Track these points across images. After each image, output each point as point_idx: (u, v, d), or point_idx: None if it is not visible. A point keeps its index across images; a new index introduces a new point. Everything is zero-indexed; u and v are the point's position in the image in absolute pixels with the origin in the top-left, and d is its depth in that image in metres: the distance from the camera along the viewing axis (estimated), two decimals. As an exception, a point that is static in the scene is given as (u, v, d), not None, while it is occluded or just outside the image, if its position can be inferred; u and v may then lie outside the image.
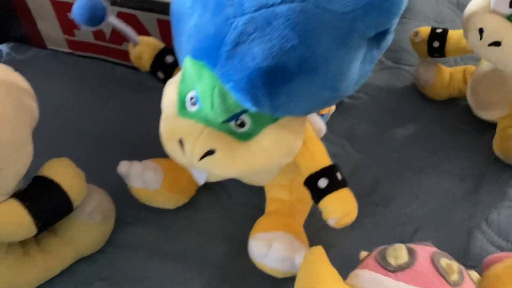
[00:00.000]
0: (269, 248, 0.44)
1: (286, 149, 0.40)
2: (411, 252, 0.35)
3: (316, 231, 0.51)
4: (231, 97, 0.37)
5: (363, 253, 0.39)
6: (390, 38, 0.38)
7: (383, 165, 0.56)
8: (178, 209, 0.52)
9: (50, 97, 0.62)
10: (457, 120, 0.60)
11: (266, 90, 0.35)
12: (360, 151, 0.57)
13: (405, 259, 0.35)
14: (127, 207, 0.52)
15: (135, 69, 0.66)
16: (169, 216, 0.52)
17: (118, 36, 0.62)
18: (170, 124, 0.40)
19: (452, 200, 0.53)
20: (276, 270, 0.45)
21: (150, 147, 0.57)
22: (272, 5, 0.33)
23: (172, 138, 0.40)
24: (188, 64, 0.39)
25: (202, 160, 0.39)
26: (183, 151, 0.39)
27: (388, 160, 0.56)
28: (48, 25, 0.64)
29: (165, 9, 0.57)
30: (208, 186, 0.54)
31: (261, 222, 0.48)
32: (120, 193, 0.51)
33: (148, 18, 0.58)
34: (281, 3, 0.33)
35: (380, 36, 0.36)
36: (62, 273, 0.47)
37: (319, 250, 0.39)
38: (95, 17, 0.42)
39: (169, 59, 0.48)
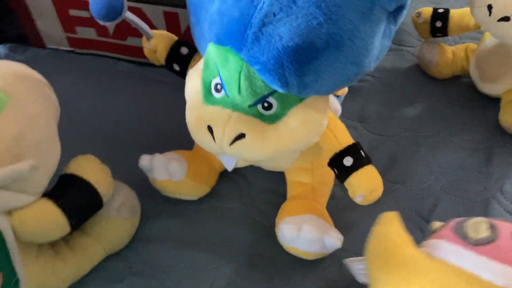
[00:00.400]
0: (299, 231, 0.45)
1: (314, 128, 0.40)
2: (492, 227, 0.34)
3: (337, 212, 0.52)
4: (258, 79, 0.37)
5: (436, 224, 0.38)
6: (405, 13, 0.39)
7: (397, 144, 0.57)
8: (200, 199, 0.52)
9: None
10: (462, 96, 0.62)
11: (294, 69, 0.35)
12: (373, 131, 0.58)
13: (486, 233, 0.33)
14: (150, 201, 0.52)
15: (139, 63, 0.67)
16: (192, 207, 0.52)
17: (121, 31, 0.62)
18: (197, 112, 0.40)
19: (466, 173, 0.55)
20: (307, 252, 0.46)
21: (165, 140, 0.58)
22: None
23: (200, 125, 0.40)
24: (211, 51, 0.39)
25: (233, 144, 0.39)
26: (213, 137, 0.39)
27: (401, 138, 0.57)
28: (48, 24, 0.63)
29: (171, 0, 0.57)
30: (227, 176, 0.54)
31: (287, 206, 0.48)
32: (141, 187, 0.51)
33: (154, 11, 0.57)
34: None
35: (397, 10, 0.38)
36: (92, 271, 0.47)
37: (393, 215, 0.39)
38: (113, 11, 0.42)
39: (184, 50, 0.48)
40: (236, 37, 0.36)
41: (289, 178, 0.51)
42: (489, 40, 0.56)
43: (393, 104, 0.61)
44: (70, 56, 0.67)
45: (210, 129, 0.39)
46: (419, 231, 0.50)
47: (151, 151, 0.51)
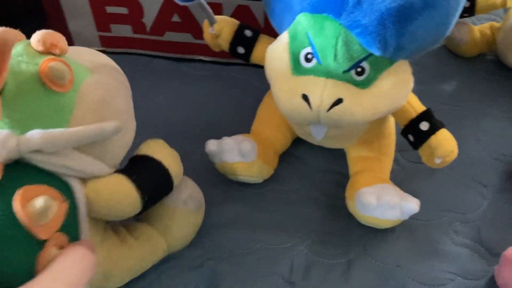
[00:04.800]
0: (378, 199, 0.45)
1: (404, 90, 0.42)
2: None
3: (398, 184, 0.53)
4: (355, 44, 0.39)
5: None
6: None
7: (441, 117, 0.59)
8: (261, 184, 0.53)
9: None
10: (489, 72, 0.65)
11: (396, 30, 0.37)
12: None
13: None
14: (210, 189, 0.52)
15: (173, 59, 0.66)
16: (255, 191, 0.52)
17: (159, 27, 0.62)
18: (288, 83, 0.41)
19: (509, 140, 0.58)
20: (386, 220, 0.46)
21: (216, 130, 0.58)
22: None
23: (294, 95, 0.40)
24: (302, 21, 0.40)
25: (331, 110, 0.40)
26: (309, 105, 0.40)
27: (443, 112, 0.59)
28: (80, 24, 0.62)
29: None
30: (283, 159, 0.55)
31: (358, 179, 0.49)
32: (199, 176, 0.51)
33: (228, 5, 0.58)
34: None
35: None
36: (169, 259, 0.46)
37: None
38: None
39: (248, 33, 0.49)
40: (335, 4, 0.37)
41: (352, 153, 0.52)
42: (516, 14, 0.60)
43: (427, 81, 0.63)
44: (102, 57, 0.66)
45: (305, 97, 0.40)
46: (479, 196, 0.53)
47: (205, 140, 0.51)
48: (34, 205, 0.32)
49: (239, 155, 0.48)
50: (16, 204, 0.31)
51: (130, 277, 0.44)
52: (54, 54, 0.36)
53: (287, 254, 0.48)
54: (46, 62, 0.34)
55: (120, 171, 0.39)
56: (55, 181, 0.35)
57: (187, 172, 0.51)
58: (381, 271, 0.46)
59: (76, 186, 0.36)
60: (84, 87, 0.36)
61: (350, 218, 0.50)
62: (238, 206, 0.51)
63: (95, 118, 0.36)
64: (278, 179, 0.54)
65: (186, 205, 0.45)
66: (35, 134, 0.33)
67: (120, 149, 0.39)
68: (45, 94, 0.34)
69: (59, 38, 0.36)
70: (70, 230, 0.36)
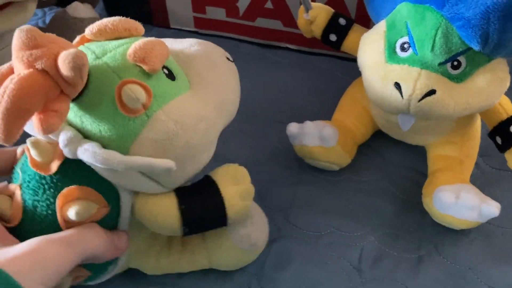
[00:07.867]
0: (457, 198, 0.45)
1: (500, 89, 0.41)
2: None
3: (478, 188, 0.52)
4: (454, 36, 0.39)
5: None
6: None
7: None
8: (337, 172, 0.53)
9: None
10: None
11: (500, 25, 0.36)
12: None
13: None
14: (286, 170, 0.54)
15: (260, 45, 0.69)
16: (329, 178, 0.53)
17: (252, 12, 0.64)
18: (381, 70, 0.42)
19: None
20: (463, 220, 0.45)
21: (296, 115, 0.59)
22: None
23: (387, 82, 0.41)
24: (403, 10, 0.41)
25: (422, 100, 0.40)
26: (401, 94, 0.40)
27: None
28: (178, 3, 0.66)
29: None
30: (361, 151, 0.55)
31: (438, 177, 0.49)
32: (274, 157, 0.54)
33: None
34: None
35: None
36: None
37: None
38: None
39: (342, 21, 0.50)
40: (438, -4, 0.37)
41: (434, 152, 0.51)
42: None
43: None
44: (193, 37, 0.69)
45: (398, 86, 0.40)
46: None
47: (284, 124, 0.52)
48: (68, 211, 0.33)
49: (320, 139, 0.49)
50: (57, 204, 0.33)
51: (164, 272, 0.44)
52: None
53: (358, 242, 0.48)
54: (123, 84, 0.32)
55: (176, 192, 0.37)
56: (105, 184, 0.35)
57: (261, 152, 0.53)
58: (452, 271, 0.46)
59: (124, 196, 0.36)
60: (160, 114, 0.34)
61: (424, 215, 0.50)
62: (311, 190, 0.52)
63: (157, 150, 0.34)
64: (354, 169, 0.54)
65: (240, 243, 0.42)
66: (89, 148, 0.32)
67: (178, 179, 0.37)
68: (114, 113, 0.33)
69: (156, 53, 0.34)
70: (107, 227, 0.36)
